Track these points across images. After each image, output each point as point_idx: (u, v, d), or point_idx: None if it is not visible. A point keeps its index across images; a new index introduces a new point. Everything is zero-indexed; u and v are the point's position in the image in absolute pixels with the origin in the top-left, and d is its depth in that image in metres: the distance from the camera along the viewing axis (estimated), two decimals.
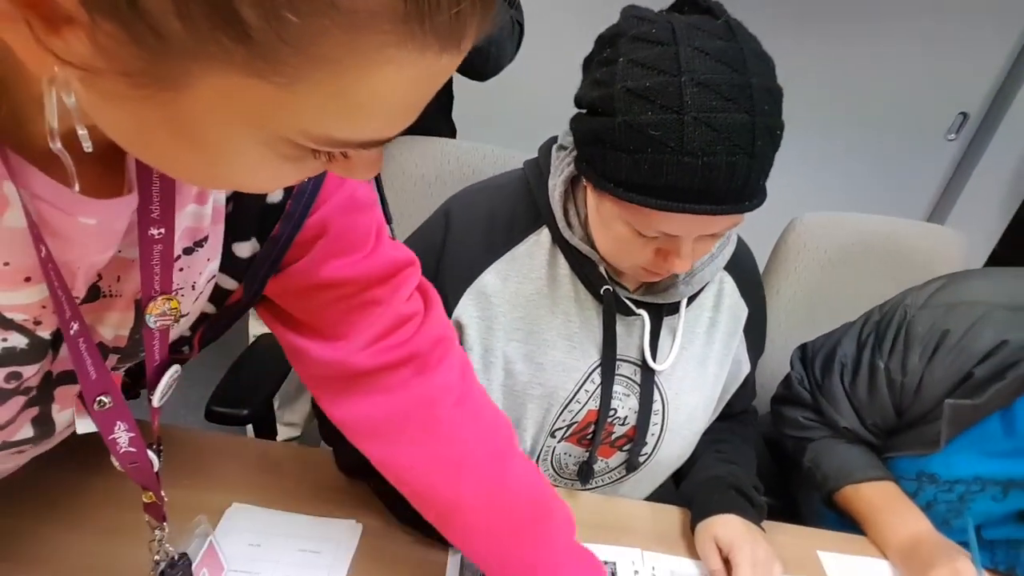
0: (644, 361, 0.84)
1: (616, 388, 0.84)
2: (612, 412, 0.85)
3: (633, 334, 0.84)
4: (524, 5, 1.25)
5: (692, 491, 0.88)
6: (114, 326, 0.49)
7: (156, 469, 0.57)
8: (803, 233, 1.24)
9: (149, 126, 0.31)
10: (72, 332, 0.43)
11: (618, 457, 0.89)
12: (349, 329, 0.62)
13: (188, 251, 0.50)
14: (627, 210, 0.70)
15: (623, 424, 0.87)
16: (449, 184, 1.21)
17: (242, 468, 0.83)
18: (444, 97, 1.47)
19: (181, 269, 0.50)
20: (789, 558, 0.82)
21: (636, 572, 0.79)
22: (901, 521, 0.87)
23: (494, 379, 0.83)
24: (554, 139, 0.84)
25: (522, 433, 0.85)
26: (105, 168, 0.42)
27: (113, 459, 0.54)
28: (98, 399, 0.48)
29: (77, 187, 0.34)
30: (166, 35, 0.26)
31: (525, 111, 2.02)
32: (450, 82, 1.19)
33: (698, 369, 0.88)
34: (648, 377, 0.84)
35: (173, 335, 0.56)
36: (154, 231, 0.44)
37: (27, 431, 0.49)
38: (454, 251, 0.82)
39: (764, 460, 0.99)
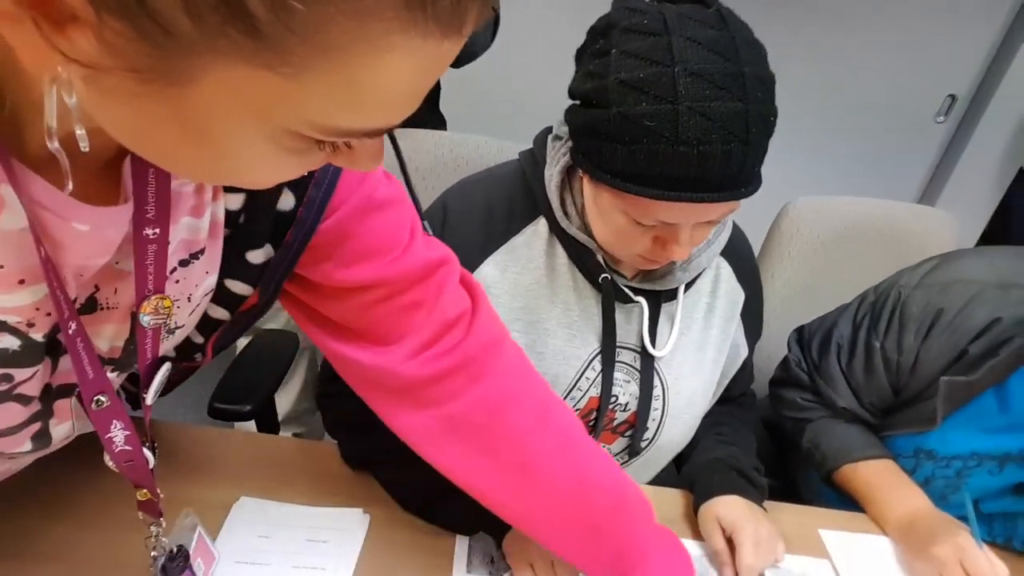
0: (643, 348, 0.85)
1: (616, 375, 0.85)
2: (613, 399, 0.86)
3: (632, 321, 0.85)
4: None
5: (694, 474, 0.89)
6: (110, 338, 0.49)
7: (151, 466, 0.57)
8: (796, 218, 1.26)
9: (154, 122, 0.31)
10: (71, 331, 0.43)
11: (620, 443, 0.90)
12: (392, 334, 0.61)
13: (184, 263, 0.50)
14: (624, 200, 0.70)
15: (624, 410, 0.88)
16: (443, 176, 1.21)
17: (248, 462, 0.84)
18: (432, 88, 1.47)
19: (177, 281, 0.50)
20: (791, 536, 0.83)
21: None
22: (900, 498, 0.89)
23: None
24: (549, 129, 0.84)
25: None
26: (101, 178, 0.42)
27: (107, 458, 0.54)
28: (95, 398, 0.48)
29: (71, 186, 0.34)
30: (173, 30, 0.26)
31: (513, 101, 2.03)
32: None
33: (697, 354, 0.89)
34: (648, 363, 0.85)
35: (172, 343, 0.56)
36: (149, 231, 0.44)
37: (26, 445, 0.50)
38: (452, 243, 0.81)
39: (763, 442, 1.00)
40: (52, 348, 0.45)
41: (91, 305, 0.47)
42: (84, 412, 0.49)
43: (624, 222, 0.73)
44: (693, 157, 0.64)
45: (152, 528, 0.62)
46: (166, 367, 0.54)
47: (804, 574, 0.81)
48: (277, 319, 1.49)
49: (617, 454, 0.91)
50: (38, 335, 0.42)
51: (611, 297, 0.82)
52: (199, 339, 0.60)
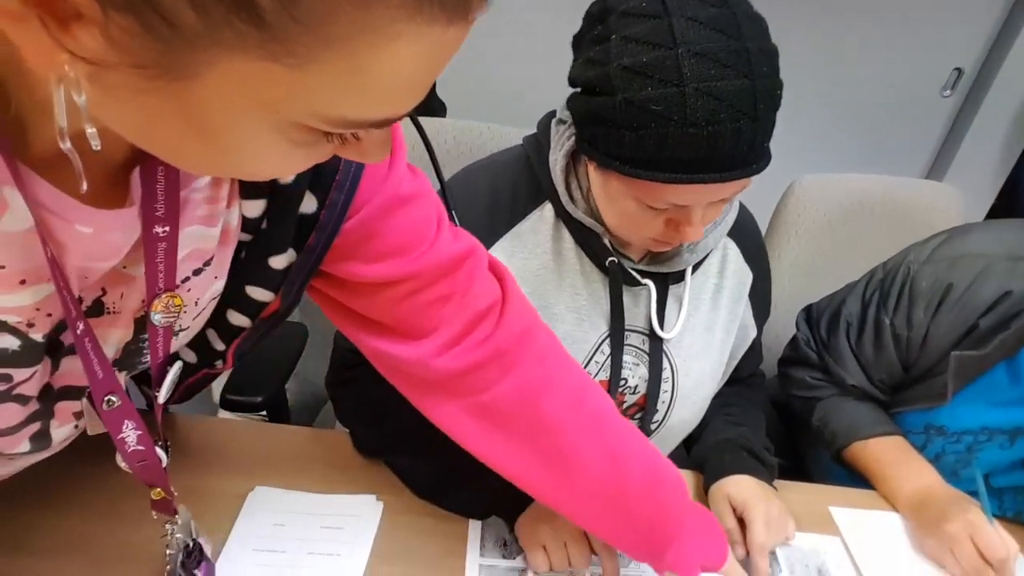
0: (652, 330, 0.85)
1: (625, 358, 0.86)
2: (623, 382, 0.86)
3: (640, 304, 0.85)
4: None
5: (704, 454, 0.90)
6: (115, 342, 0.50)
7: (164, 465, 0.57)
8: (802, 196, 1.25)
9: (159, 117, 0.31)
10: (79, 332, 0.43)
11: None
12: (424, 327, 0.61)
13: (196, 272, 0.50)
14: (635, 186, 0.70)
15: (634, 393, 0.88)
16: (446, 163, 1.20)
17: (262, 453, 0.84)
18: None
19: (189, 290, 0.51)
20: (802, 515, 0.83)
21: None
22: (910, 474, 0.89)
23: None
24: (552, 113, 0.84)
25: None
26: (109, 180, 0.42)
27: (119, 460, 0.54)
28: (106, 398, 0.48)
29: (85, 187, 0.34)
30: (179, 24, 0.26)
31: (514, 87, 2.02)
32: None
33: (705, 335, 0.89)
34: (656, 346, 0.85)
35: (178, 345, 0.56)
36: (159, 229, 0.44)
37: (24, 446, 0.50)
38: None
39: (772, 422, 1.00)
40: (53, 349, 0.45)
41: (97, 308, 0.47)
42: (95, 413, 0.49)
43: (635, 207, 0.72)
44: (703, 138, 0.63)
45: (168, 526, 0.63)
46: (178, 365, 0.55)
47: (815, 551, 0.82)
48: None
49: None
50: (38, 335, 0.43)
51: (618, 280, 0.82)
52: (220, 346, 0.60)
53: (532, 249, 0.83)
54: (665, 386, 0.87)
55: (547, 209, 0.83)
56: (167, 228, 0.45)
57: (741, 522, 0.80)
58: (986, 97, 2.11)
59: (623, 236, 0.80)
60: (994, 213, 2.30)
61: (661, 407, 0.88)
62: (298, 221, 0.52)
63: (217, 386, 1.01)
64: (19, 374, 0.43)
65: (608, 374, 0.85)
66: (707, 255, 0.87)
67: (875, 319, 0.93)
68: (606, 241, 0.81)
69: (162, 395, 0.54)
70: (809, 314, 1.05)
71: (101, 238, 0.42)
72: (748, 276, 0.91)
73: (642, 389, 0.87)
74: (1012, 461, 0.88)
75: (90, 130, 0.31)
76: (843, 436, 0.94)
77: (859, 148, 2.24)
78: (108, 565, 0.69)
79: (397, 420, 0.75)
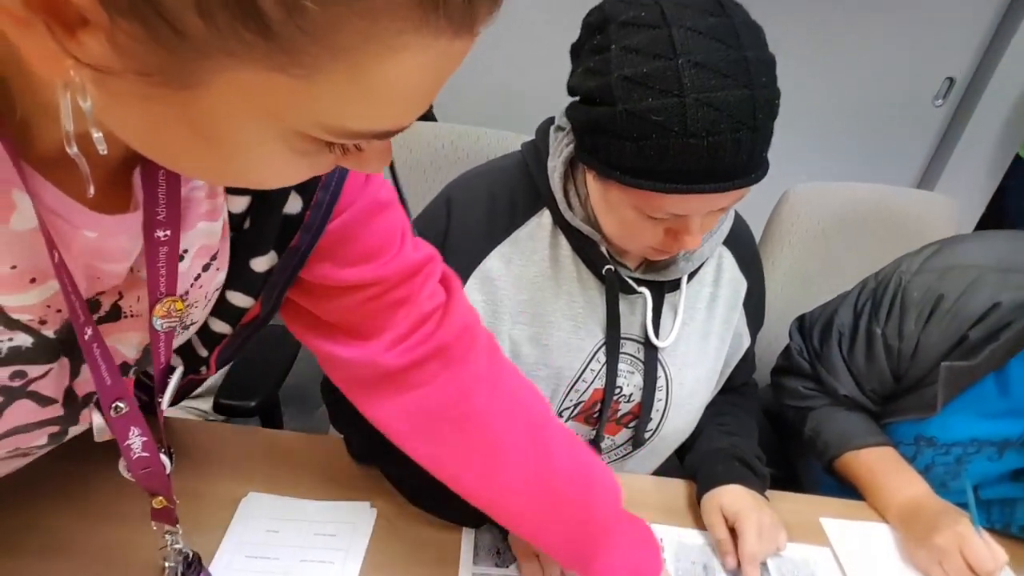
0: (647, 338, 0.85)
1: (621, 366, 0.86)
2: (617, 390, 0.87)
3: (636, 312, 0.85)
4: None
5: (696, 463, 0.90)
6: (136, 345, 0.50)
7: (168, 472, 0.57)
8: (796, 204, 1.26)
9: (163, 124, 0.31)
10: (87, 337, 0.43)
11: (624, 434, 0.91)
12: (375, 329, 0.62)
13: (206, 267, 0.50)
14: (635, 196, 0.70)
15: (628, 401, 0.88)
16: (444, 169, 1.21)
17: (255, 458, 0.84)
18: None
19: (201, 286, 0.51)
20: (793, 525, 0.84)
21: None
22: (900, 485, 0.89)
23: None
24: (551, 120, 0.84)
25: None
26: (112, 185, 0.42)
27: (122, 467, 0.54)
28: (114, 405, 0.48)
29: (92, 190, 0.34)
30: (186, 32, 0.26)
31: (512, 93, 2.02)
32: None
33: (700, 344, 0.89)
34: (651, 354, 0.86)
35: (184, 338, 0.56)
36: (160, 233, 0.44)
37: (41, 440, 0.50)
38: (457, 237, 0.82)
39: (764, 431, 1.01)
40: (71, 350, 0.45)
41: (115, 313, 0.47)
42: (102, 418, 0.49)
43: (634, 216, 0.73)
44: (703, 148, 0.64)
45: (167, 537, 0.62)
46: (179, 371, 0.54)
47: (806, 562, 0.82)
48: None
49: (621, 445, 0.92)
50: (49, 332, 0.43)
51: (615, 288, 0.83)
52: (203, 352, 0.60)
53: (530, 256, 0.83)
54: (659, 395, 0.87)
55: (545, 216, 0.83)
56: (168, 232, 0.45)
57: (733, 532, 0.80)
58: (977, 106, 2.13)
59: (622, 245, 0.80)
60: (984, 222, 2.32)
61: (655, 416, 0.89)
62: (282, 222, 0.52)
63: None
64: (33, 370, 0.43)
65: (603, 382, 0.85)
66: (702, 264, 0.87)
67: (867, 329, 0.94)
68: (603, 249, 0.81)
69: (165, 401, 0.54)
70: (802, 324, 1.06)
71: (107, 242, 0.42)
72: (743, 285, 0.92)
73: (637, 397, 0.88)
74: (1000, 473, 0.89)
75: (96, 135, 0.31)
76: (835, 446, 0.95)
77: (852, 156, 2.25)
78: (105, 568, 0.69)
79: None
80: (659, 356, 0.86)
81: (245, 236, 0.52)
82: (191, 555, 0.65)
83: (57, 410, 0.47)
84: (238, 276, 0.54)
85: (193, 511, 0.66)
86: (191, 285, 0.50)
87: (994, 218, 2.29)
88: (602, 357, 0.85)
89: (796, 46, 2.02)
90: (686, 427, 0.93)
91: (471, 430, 0.65)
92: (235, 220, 0.52)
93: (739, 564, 0.78)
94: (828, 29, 2.03)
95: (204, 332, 0.58)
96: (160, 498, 0.58)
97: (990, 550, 0.77)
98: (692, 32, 0.64)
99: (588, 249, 0.82)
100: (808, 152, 2.19)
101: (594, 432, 0.89)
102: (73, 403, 0.48)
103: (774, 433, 1.12)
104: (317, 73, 0.28)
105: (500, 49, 1.94)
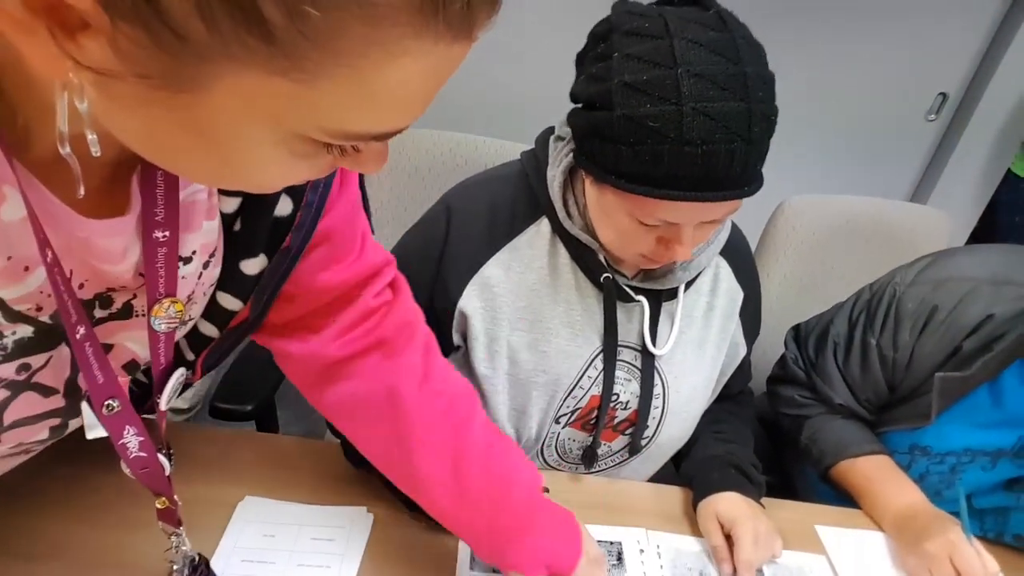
0: (644, 346, 0.85)
1: (618, 374, 0.86)
2: (614, 397, 0.87)
3: (633, 320, 0.86)
4: None
5: (693, 471, 0.90)
6: (146, 344, 0.50)
7: (167, 473, 0.57)
8: (792, 216, 1.27)
9: (163, 127, 0.31)
10: (78, 336, 0.43)
11: (621, 441, 0.91)
12: (323, 324, 0.64)
13: (206, 265, 0.51)
14: (629, 201, 0.71)
15: (625, 408, 0.88)
16: (442, 176, 1.21)
17: (251, 462, 0.84)
18: None
19: (203, 283, 0.51)
20: (788, 533, 0.84)
21: (642, 551, 0.81)
22: (895, 493, 0.90)
23: (499, 368, 0.84)
24: (551, 130, 0.85)
25: (527, 420, 0.87)
26: (110, 187, 0.43)
27: (123, 465, 0.54)
28: (106, 403, 0.48)
29: (82, 191, 0.34)
30: (188, 36, 0.26)
31: (511, 102, 2.03)
32: None
33: (696, 352, 0.90)
34: (649, 362, 0.86)
35: (182, 333, 0.56)
36: (159, 234, 0.45)
37: (43, 434, 0.50)
38: (456, 243, 0.83)
39: (760, 439, 1.01)
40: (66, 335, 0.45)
41: (127, 311, 0.47)
42: (95, 417, 0.49)
43: (628, 223, 0.74)
44: (697, 156, 0.65)
45: (172, 538, 0.62)
46: (179, 372, 0.54)
47: (801, 569, 0.83)
48: None
49: (618, 451, 0.92)
50: (45, 317, 0.43)
51: (612, 296, 0.83)
52: (190, 355, 0.60)
53: (528, 263, 0.83)
54: (656, 403, 0.88)
55: (544, 224, 0.84)
56: (167, 233, 0.45)
57: (729, 539, 0.80)
58: (970, 122, 2.15)
59: (616, 252, 0.80)
60: (975, 235, 2.34)
61: (652, 423, 0.89)
62: (272, 224, 0.53)
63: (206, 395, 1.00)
64: (36, 361, 0.44)
65: (600, 389, 0.86)
66: (699, 273, 0.88)
67: (862, 340, 0.94)
68: (601, 257, 0.82)
69: (163, 402, 0.54)
70: (797, 333, 1.07)
71: (98, 244, 0.42)
72: (739, 295, 0.92)
73: (633, 405, 0.88)
74: (994, 483, 0.90)
75: (91, 136, 0.31)
76: (831, 454, 0.96)
77: (847, 169, 2.27)
78: (104, 571, 0.69)
79: None
80: (656, 364, 0.87)
81: (236, 238, 0.53)
82: (196, 558, 0.64)
83: (58, 401, 0.47)
84: (229, 278, 0.54)
85: (189, 515, 0.65)
86: (196, 284, 0.51)
87: (985, 232, 2.31)
88: (599, 364, 0.85)
89: (792, 62, 2.04)
90: (682, 435, 0.93)
91: (396, 419, 0.66)
92: (226, 221, 0.52)
93: (735, 571, 0.78)
94: (823, 46, 2.05)
95: (193, 335, 0.58)
96: (163, 498, 0.58)
97: (980, 559, 0.78)
98: (693, 44, 0.65)
99: (586, 257, 0.83)
100: (804, 165, 2.21)
101: (591, 439, 0.89)
102: (75, 395, 0.48)
103: (769, 441, 1.13)
104: (318, 77, 0.29)
105: (499, 59, 1.95)
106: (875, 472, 0.93)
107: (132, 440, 0.52)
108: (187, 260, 0.49)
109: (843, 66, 2.09)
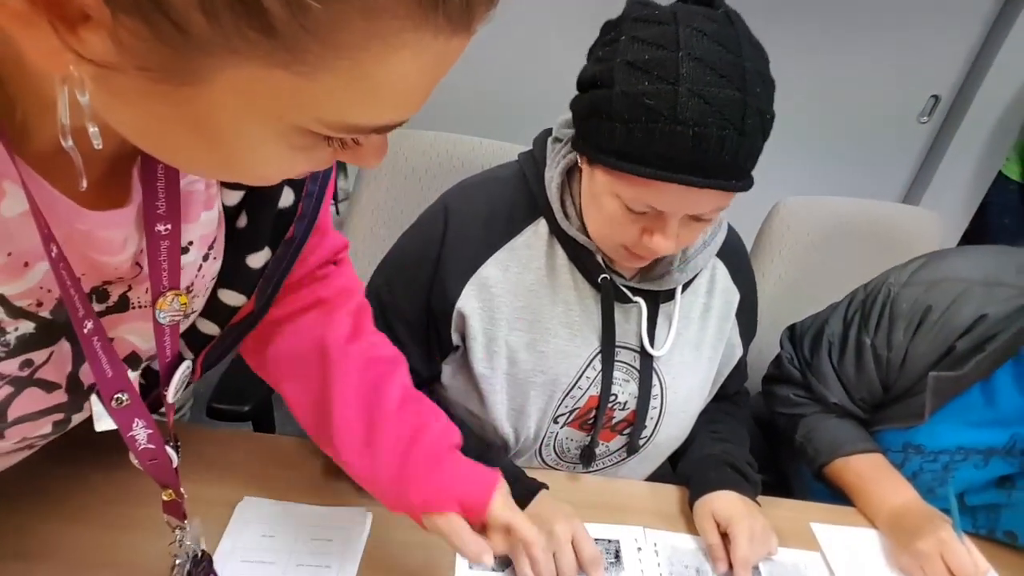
0: (642, 347, 0.86)
1: (616, 374, 0.87)
2: (613, 398, 0.88)
3: (631, 321, 0.87)
4: None
5: (689, 470, 0.91)
6: (147, 337, 0.50)
7: (175, 465, 0.57)
8: (786, 217, 1.28)
9: (164, 120, 0.32)
10: (86, 331, 0.43)
11: (619, 440, 0.92)
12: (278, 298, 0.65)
13: (205, 257, 0.51)
14: (618, 180, 0.71)
15: (623, 409, 0.89)
16: (439, 177, 1.21)
17: (250, 462, 0.84)
18: None
19: (203, 276, 0.51)
20: (784, 530, 0.85)
21: (639, 549, 0.82)
22: (889, 491, 0.91)
23: (498, 368, 0.85)
24: (548, 131, 0.85)
25: (526, 419, 0.87)
26: (111, 180, 0.43)
27: (132, 457, 0.54)
28: (115, 397, 0.48)
29: (84, 184, 0.34)
30: (189, 30, 0.26)
31: (508, 103, 2.03)
32: None
33: (693, 353, 0.90)
34: (647, 363, 0.87)
35: (184, 326, 0.56)
36: (161, 227, 0.45)
37: (46, 429, 0.50)
38: (454, 244, 0.83)
39: (755, 438, 1.02)
40: (70, 333, 0.45)
41: (124, 303, 0.48)
42: (104, 410, 0.49)
43: (615, 207, 0.74)
44: (688, 138, 0.65)
45: (176, 532, 0.62)
46: (185, 364, 0.54)
47: (796, 566, 0.83)
48: None
49: (616, 451, 0.93)
50: (46, 312, 0.43)
51: (610, 297, 0.84)
52: (189, 355, 0.60)
53: (527, 264, 0.84)
54: (654, 403, 0.88)
55: (541, 225, 0.84)
56: (169, 226, 0.45)
57: (725, 537, 0.81)
58: (961, 124, 2.17)
59: (601, 242, 0.80)
60: (966, 237, 2.36)
61: (650, 423, 0.90)
62: (276, 216, 0.53)
63: (203, 395, 1.00)
64: (38, 356, 0.44)
65: (599, 390, 0.86)
66: (696, 274, 0.88)
67: (856, 339, 0.95)
68: (599, 258, 0.82)
69: (171, 394, 0.54)
70: (793, 333, 1.07)
71: (98, 235, 0.42)
72: (735, 296, 0.93)
73: (631, 405, 0.88)
74: (986, 480, 0.91)
75: (92, 129, 0.31)
76: (825, 453, 0.97)
77: (840, 171, 2.28)
78: (98, 570, 0.69)
79: None
80: (654, 365, 0.87)
81: (242, 233, 0.53)
82: (200, 553, 0.64)
83: (61, 396, 0.47)
84: (234, 273, 0.55)
85: (189, 515, 0.66)
86: (195, 276, 0.51)
87: (976, 233, 2.33)
88: (598, 365, 0.86)
89: (786, 65, 2.02)
90: (680, 434, 0.94)
91: (322, 370, 0.67)
92: (229, 214, 0.52)
93: (731, 569, 0.79)
94: (817, 49, 2.06)
95: (192, 334, 0.58)
96: (169, 491, 0.58)
97: (971, 557, 0.79)
98: (698, 32, 0.66)
99: (584, 258, 0.83)
100: (798, 166, 2.22)
101: (589, 439, 0.89)
102: (78, 390, 0.48)
103: (765, 440, 1.14)
104: (319, 70, 0.29)
105: (497, 60, 1.95)
106: (869, 470, 0.94)
107: (141, 432, 0.52)
108: (184, 250, 0.49)
109: (837, 69, 2.10)
